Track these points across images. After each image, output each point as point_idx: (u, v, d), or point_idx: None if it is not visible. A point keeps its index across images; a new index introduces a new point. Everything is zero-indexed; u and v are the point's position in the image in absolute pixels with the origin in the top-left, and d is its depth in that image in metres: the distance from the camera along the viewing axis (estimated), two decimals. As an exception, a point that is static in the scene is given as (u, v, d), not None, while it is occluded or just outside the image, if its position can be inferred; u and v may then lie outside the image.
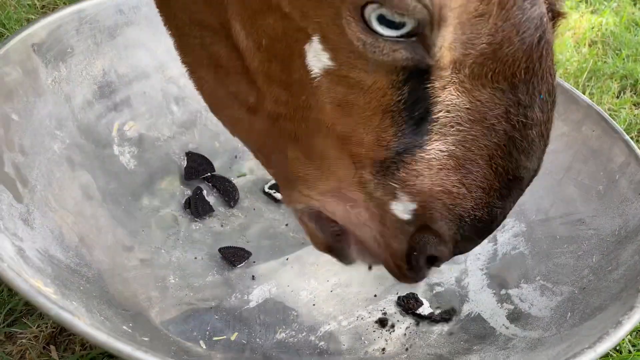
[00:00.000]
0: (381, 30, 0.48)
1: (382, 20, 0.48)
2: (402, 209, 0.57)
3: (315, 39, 0.52)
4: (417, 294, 0.98)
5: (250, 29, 0.56)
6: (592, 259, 0.88)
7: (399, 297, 0.98)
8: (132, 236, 0.98)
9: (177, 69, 1.13)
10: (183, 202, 1.08)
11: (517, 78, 0.51)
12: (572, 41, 1.85)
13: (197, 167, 1.12)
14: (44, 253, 0.77)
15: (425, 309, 0.96)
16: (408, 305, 0.97)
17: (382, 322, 0.95)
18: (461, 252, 0.62)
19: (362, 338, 0.92)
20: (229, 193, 1.11)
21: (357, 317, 0.95)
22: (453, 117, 0.52)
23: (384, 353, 0.90)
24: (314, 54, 0.53)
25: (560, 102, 1.09)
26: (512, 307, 0.92)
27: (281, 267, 1.01)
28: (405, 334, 0.93)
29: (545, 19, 0.51)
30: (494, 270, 1.01)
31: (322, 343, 0.90)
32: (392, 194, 0.57)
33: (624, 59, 1.73)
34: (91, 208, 0.95)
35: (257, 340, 0.89)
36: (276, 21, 0.54)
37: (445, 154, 0.54)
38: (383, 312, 0.96)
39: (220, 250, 1.01)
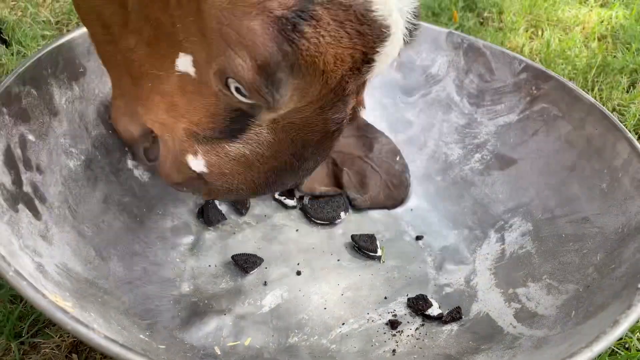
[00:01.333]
0: (234, 93, 0.68)
1: (238, 89, 0.67)
2: (196, 165, 0.81)
3: (189, 57, 0.72)
4: (426, 295, 1.00)
5: (144, 7, 0.72)
6: (596, 257, 0.89)
7: (408, 299, 1.00)
8: (147, 246, 1.01)
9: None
10: (196, 211, 1.12)
11: (309, 143, 0.75)
12: (580, 36, 1.84)
13: None
14: (63, 267, 0.80)
15: (434, 310, 0.98)
16: (418, 306, 0.99)
17: (392, 324, 0.96)
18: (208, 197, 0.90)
19: (373, 340, 0.94)
20: (240, 201, 1.14)
21: (368, 320, 0.97)
22: (257, 139, 0.76)
23: (394, 354, 0.92)
24: (184, 62, 0.73)
25: (563, 101, 1.10)
26: (519, 306, 0.94)
27: (292, 272, 1.04)
28: (414, 335, 0.95)
29: (345, 120, 0.75)
30: (501, 269, 1.03)
31: (333, 346, 0.93)
32: (195, 154, 0.80)
33: (634, 53, 1.72)
34: (107, 221, 0.98)
35: (271, 344, 0.92)
36: (166, 22, 0.71)
37: (240, 153, 0.77)
38: (393, 314, 0.98)
39: (233, 257, 1.04)
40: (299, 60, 0.62)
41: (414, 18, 0.68)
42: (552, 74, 1.12)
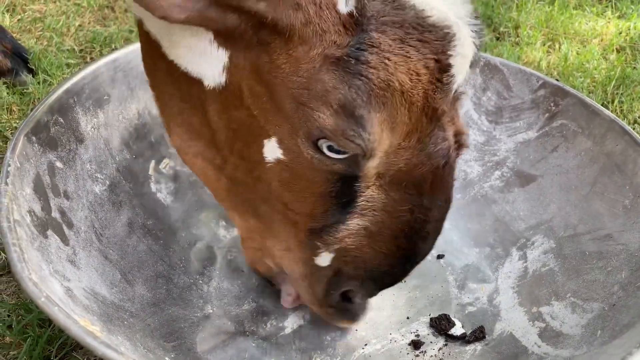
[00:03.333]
0: (328, 153, 0.67)
1: (330, 148, 0.67)
2: (324, 260, 0.79)
3: (274, 139, 0.70)
4: (449, 315, 0.99)
5: (223, 114, 0.72)
6: (621, 275, 0.88)
7: (431, 319, 1.00)
8: (171, 268, 1.03)
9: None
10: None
11: (424, 188, 0.71)
12: (599, 48, 1.83)
13: None
14: (90, 291, 0.82)
15: (457, 330, 0.97)
16: (440, 326, 0.98)
17: (415, 344, 0.96)
18: (366, 296, 0.85)
19: (396, 360, 0.94)
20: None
21: (391, 340, 0.97)
22: (371, 205, 0.72)
23: (417, 375, 0.92)
24: (270, 148, 0.71)
25: (582, 117, 1.10)
26: (543, 325, 0.93)
27: (314, 293, 1.04)
28: (438, 355, 0.94)
29: (451, 150, 0.69)
30: (524, 288, 1.02)
31: (356, 367, 0.93)
32: (318, 253, 0.78)
33: (653, 64, 1.71)
34: (132, 244, 1.00)
35: (294, 366, 0.92)
36: (244, 116, 0.71)
37: (362, 227, 0.74)
38: (416, 334, 0.98)
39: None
40: (373, 90, 0.62)
41: (474, 19, 0.65)
42: (570, 90, 1.12)
